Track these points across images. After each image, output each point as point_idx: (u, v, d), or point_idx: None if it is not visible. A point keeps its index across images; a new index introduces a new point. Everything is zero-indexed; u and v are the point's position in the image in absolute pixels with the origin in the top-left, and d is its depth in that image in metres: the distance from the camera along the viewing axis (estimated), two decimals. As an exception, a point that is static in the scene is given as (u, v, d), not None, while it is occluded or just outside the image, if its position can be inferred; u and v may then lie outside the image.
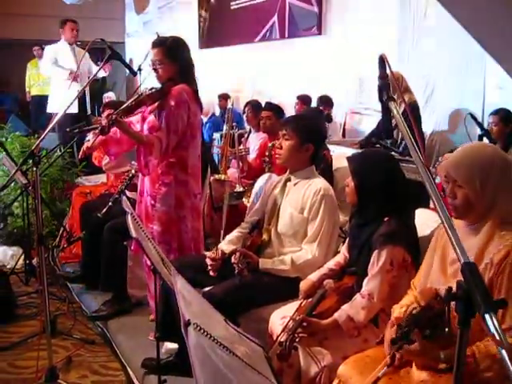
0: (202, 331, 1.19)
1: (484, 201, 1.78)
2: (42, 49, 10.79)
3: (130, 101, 2.96)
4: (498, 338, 0.94)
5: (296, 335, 2.14)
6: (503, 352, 0.93)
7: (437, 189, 1.19)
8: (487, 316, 0.96)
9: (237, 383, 1.19)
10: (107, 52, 2.84)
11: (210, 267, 2.76)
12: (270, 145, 4.02)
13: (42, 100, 10.29)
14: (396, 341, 1.83)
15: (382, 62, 1.45)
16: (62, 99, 6.44)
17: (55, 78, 6.91)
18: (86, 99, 6.86)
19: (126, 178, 3.73)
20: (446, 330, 1.52)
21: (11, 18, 10.28)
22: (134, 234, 2.06)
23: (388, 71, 1.43)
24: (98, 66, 6.18)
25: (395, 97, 1.42)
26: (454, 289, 1.06)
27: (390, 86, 1.45)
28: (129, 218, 2.14)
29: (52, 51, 6.94)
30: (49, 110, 6.96)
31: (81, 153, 3.28)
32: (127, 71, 3.01)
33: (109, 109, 3.52)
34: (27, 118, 10.31)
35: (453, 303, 1.16)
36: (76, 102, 6.69)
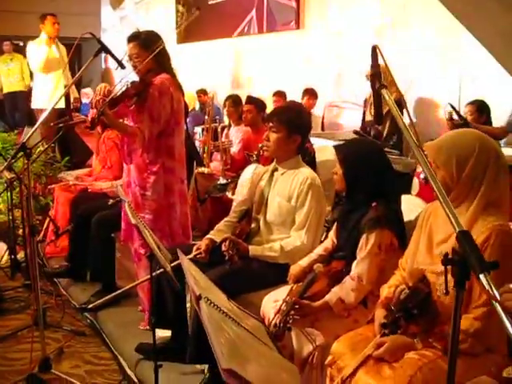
0: (212, 305, 1.26)
1: (460, 185, 1.86)
2: (13, 44, 10.66)
3: (113, 93, 3.01)
4: (491, 293, 1.04)
5: (289, 317, 2.22)
6: (497, 305, 1.03)
7: (430, 167, 1.28)
8: (482, 276, 1.07)
9: (248, 353, 1.26)
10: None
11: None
12: (260, 145, 4.07)
13: (15, 96, 10.21)
14: (386, 326, 1.94)
15: (375, 52, 1.54)
16: (46, 95, 6.49)
17: (39, 74, 6.81)
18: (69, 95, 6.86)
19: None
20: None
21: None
22: (132, 221, 2.11)
23: (381, 61, 1.52)
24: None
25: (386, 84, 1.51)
26: (450, 254, 1.16)
27: (381, 75, 1.54)
28: (126, 205, 2.19)
29: (36, 48, 6.80)
30: (33, 106, 6.89)
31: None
32: (103, 67, 3.06)
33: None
34: (2, 115, 10.19)
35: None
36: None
